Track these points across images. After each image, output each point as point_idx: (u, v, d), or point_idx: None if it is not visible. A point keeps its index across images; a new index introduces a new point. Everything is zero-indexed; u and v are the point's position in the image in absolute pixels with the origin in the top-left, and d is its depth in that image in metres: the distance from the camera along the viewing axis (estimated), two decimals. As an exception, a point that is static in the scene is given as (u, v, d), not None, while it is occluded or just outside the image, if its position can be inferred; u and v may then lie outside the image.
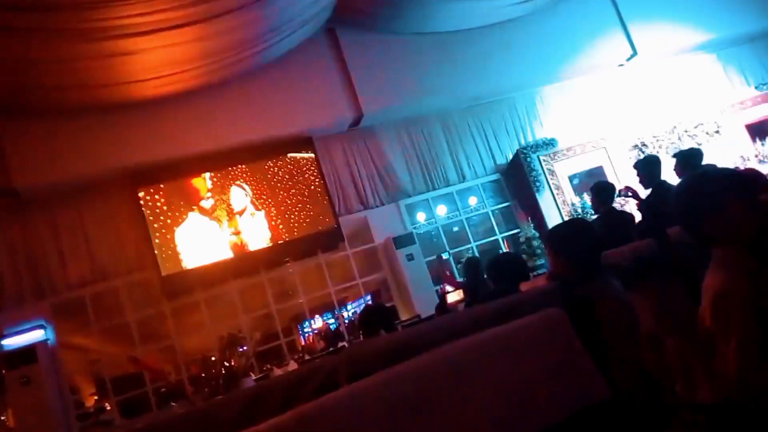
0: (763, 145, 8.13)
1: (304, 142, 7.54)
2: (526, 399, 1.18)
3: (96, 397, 7.24)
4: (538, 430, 1.13)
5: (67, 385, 6.49)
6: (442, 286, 7.59)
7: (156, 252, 6.74)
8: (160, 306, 6.94)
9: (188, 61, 6.30)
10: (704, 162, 5.03)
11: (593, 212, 6.92)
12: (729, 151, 8.09)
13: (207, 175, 7.23)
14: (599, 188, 4.89)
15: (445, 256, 7.63)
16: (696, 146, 6.84)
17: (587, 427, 1.19)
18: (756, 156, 8.06)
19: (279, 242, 7.26)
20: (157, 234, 6.81)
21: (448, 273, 7.40)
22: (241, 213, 7.24)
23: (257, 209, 7.31)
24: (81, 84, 6.07)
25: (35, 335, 6.23)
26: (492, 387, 1.16)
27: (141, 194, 6.86)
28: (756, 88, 8.93)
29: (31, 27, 5.06)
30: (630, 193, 4.81)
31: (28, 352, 6.08)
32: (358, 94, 7.56)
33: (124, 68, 6.01)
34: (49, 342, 6.33)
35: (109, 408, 6.71)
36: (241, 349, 4.61)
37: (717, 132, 8.27)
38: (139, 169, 6.79)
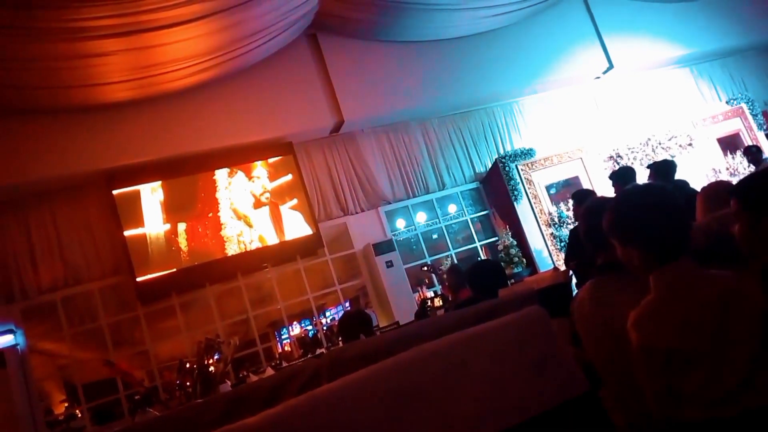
0: (733, 158, 8.35)
1: (284, 147, 7.51)
2: (509, 392, 1.21)
3: (66, 404, 7.07)
4: (521, 421, 1.17)
5: (37, 391, 6.33)
6: (420, 292, 7.62)
7: (131, 255, 6.62)
8: (134, 311, 6.81)
9: (164, 64, 6.22)
10: (677, 174, 5.18)
11: (573, 220, 7.04)
12: (701, 163, 8.31)
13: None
14: (581, 196, 5.03)
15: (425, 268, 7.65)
16: (669, 158, 7.00)
17: (568, 419, 1.23)
18: (727, 169, 8.28)
19: (257, 247, 7.20)
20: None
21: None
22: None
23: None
24: (52, 84, 5.93)
25: (4, 340, 6.06)
26: (476, 381, 1.19)
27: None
28: (727, 102, 9.19)
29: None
30: (605, 203, 4.93)
31: (-4, 357, 5.93)
32: (339, 100, 7.57)
33: (98, 70, 5.90)
34: (18, 347, 6.17)
35: (80, 415, 6.55)
36: (217, 355, 4.54)
37: (690, 145, 8.48)
38: (115, 171, 6.68)
